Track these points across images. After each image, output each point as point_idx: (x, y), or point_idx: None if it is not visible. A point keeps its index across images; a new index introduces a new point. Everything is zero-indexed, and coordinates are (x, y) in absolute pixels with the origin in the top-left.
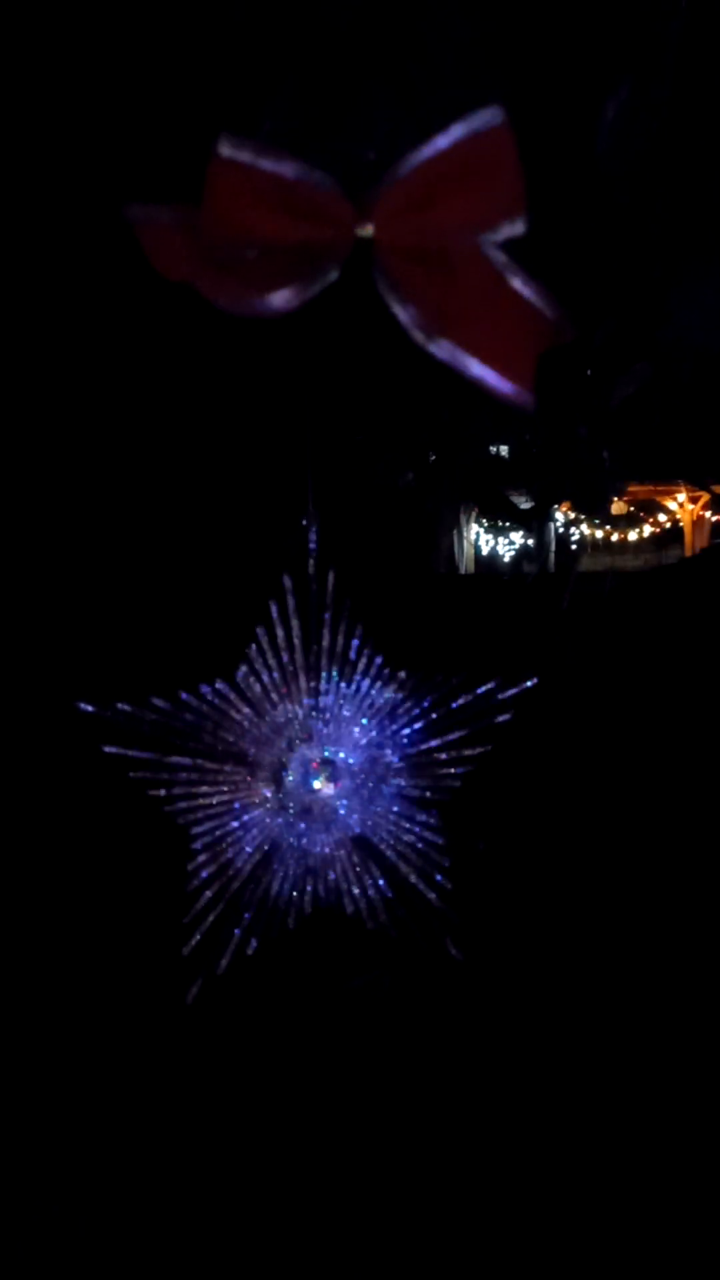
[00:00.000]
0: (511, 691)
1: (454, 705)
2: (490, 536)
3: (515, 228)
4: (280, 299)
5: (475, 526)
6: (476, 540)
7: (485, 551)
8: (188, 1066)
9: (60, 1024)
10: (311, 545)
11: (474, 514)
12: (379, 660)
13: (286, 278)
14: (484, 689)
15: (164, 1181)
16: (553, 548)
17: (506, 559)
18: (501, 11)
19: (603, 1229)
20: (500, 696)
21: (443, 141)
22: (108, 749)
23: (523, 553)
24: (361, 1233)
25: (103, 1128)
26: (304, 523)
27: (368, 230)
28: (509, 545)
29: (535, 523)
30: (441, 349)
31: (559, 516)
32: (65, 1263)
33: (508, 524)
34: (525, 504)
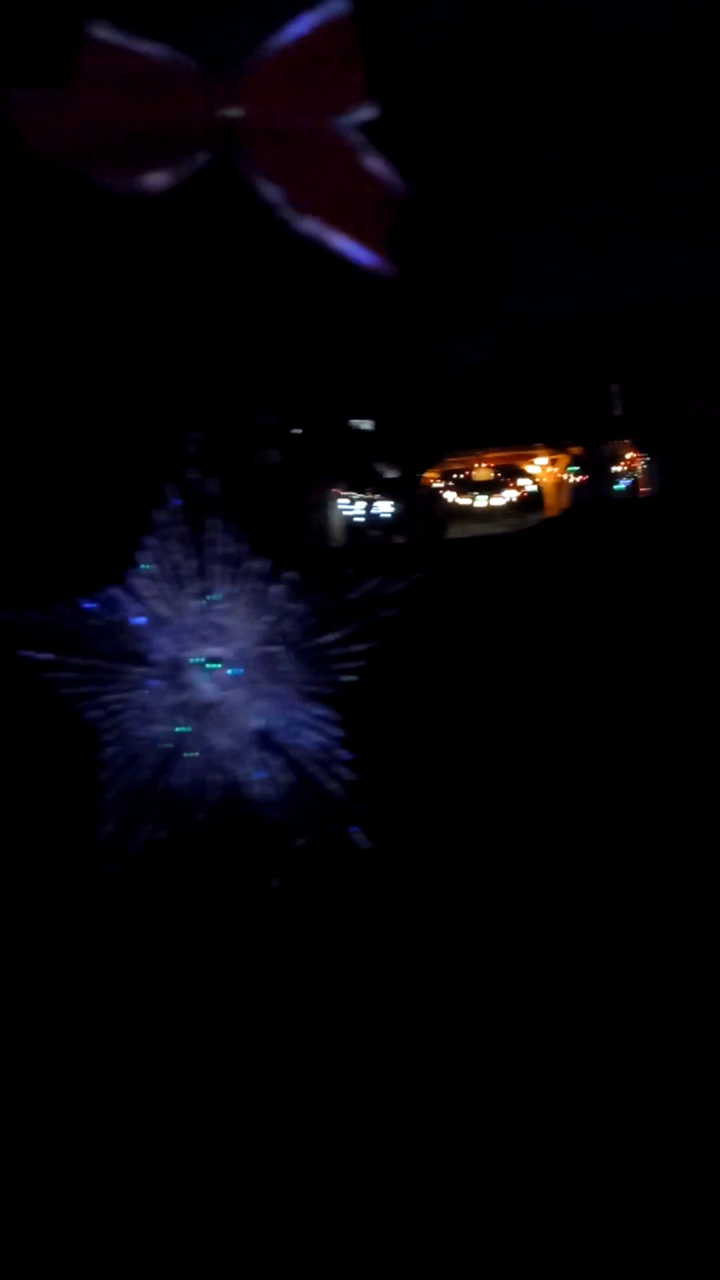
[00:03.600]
0: (399, 584)
1: (344, 601)
2: (358, 509)
3: (365, 111)
4: (154, 178)
5: (343, 500)
6: (344, 513)
7: (355, 523)
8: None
9: None
10: (193, 454)
11: (341, 487)
12: (268, 562)
13: (159, 158)
14: (370, 584)
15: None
16: (420, 517)
17: (374, 530)
18: None
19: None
20: (387, 591)
21: (295, 30)
22: (21, 652)
23: (390, 523)
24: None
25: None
26: (187, 432)
27: (234, 111)
28: (376, 516)
29: (402, 492)
30: (307, 225)
31: (424, 487)
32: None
33: (375, 496)
34: (391, 475)
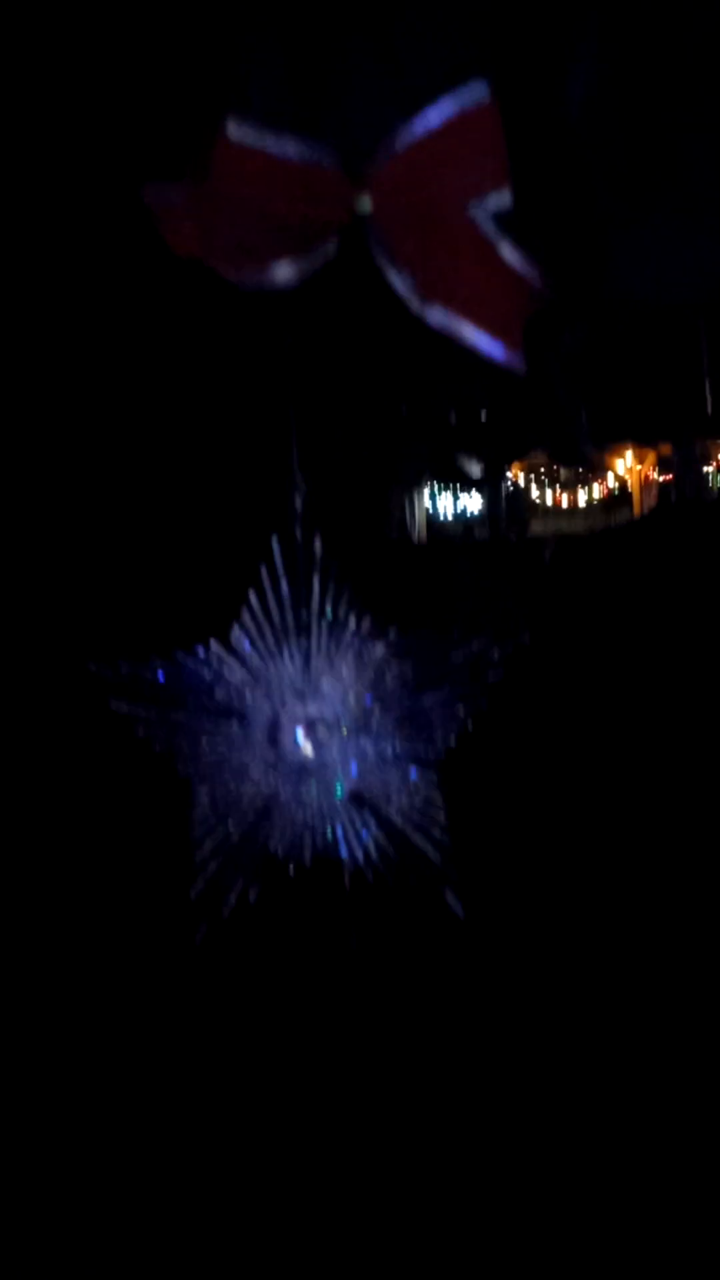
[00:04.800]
0: (505, 649)
1: (447, 662)
2: (444, 502)
3: (502, 199)
4: (282, 273)
5: (427, 492)
6: (430, 507)
7: (440, 518)
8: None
9: (67, 967)
10: (298, 509)
11: (425, 480)
12: (368, 619)
13: (288, 252)
14: (475, 646)
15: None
16: (504, 513)
17: (456, 526)
18: None
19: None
20: (493, 655)
21: (434, 116)
22: (115, 707)
23: (473, 519)
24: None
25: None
26: (290, 489)
27: (366, 204)
28: (460, 511)
29: (487, 488)
30: (435, 314)
31: (508, 481)
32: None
33: (459, 489)
34: (475, 469)
